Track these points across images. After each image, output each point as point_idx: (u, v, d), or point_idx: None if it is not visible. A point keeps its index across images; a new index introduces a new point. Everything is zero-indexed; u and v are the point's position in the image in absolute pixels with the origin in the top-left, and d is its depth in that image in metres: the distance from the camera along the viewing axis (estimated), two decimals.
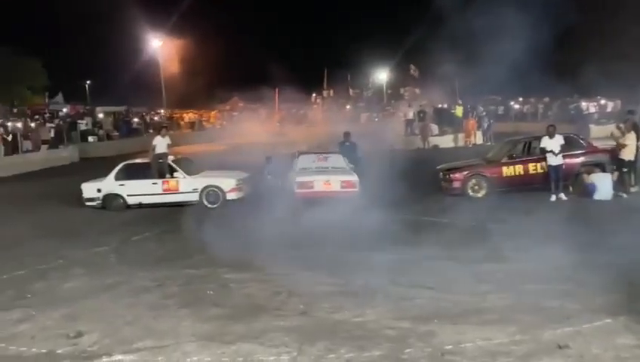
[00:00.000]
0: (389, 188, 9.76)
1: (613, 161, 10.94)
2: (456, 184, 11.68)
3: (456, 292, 5.80)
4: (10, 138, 22.22)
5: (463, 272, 6.46)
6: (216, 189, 11.74)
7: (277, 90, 40.54)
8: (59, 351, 4.80)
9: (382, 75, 46.25)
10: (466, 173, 11.77)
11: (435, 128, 25.28)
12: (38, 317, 5.67)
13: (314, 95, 50.19)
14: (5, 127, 23.17)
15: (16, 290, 6.60)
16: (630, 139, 10.61)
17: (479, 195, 11.47)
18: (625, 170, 10.66)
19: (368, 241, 7.77)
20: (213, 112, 43.99)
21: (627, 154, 10.58)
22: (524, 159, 11.64)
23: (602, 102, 31.26)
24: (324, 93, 50.74)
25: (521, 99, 38.11)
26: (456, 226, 8.86)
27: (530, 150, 11.91)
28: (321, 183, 11.10)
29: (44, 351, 4.83)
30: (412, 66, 43.37)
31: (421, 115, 26.29)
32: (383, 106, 42.46)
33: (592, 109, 29.56)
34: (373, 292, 5.95)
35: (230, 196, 11.73)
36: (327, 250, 7.60)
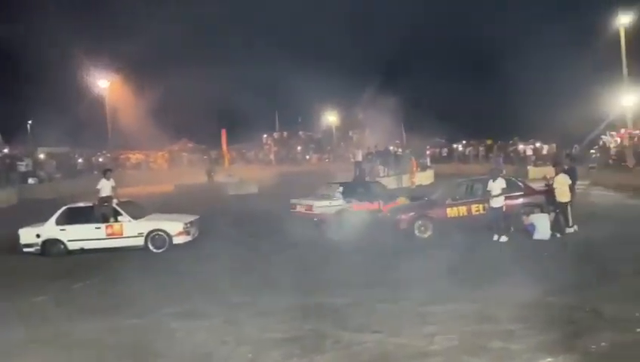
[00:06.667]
0: None
1: (549, 202, 11.43)
2: (403, 225, 11.92)
3: (404, 336, 5.84)
4: None
5: (409, 314, 6.53)
6: (162, 233, 11.44)
7: (224, 130, 40.49)
8: None
9: (332, 118, 47.32)
10: (412, 214, 12.05)
11: (381, 169, 25.86)
12: None
13: (265, 136, 50.42)
14: None
15: None
16: (559, 182, 11.13)
17: (425, 236, 11.73)
18: (557, 211, 11.14)
19: (317, 284, 7.76)
20: (160, 153, 43.11)
21: (560, 196, 11.08)
22: (467, 200, 12.02)
23: (537, 145, 32.98)
24: (275, 135, 51.11)
25: (464, 141, 39.75)
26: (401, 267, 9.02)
27: (473, 191, 12.30)
28: None
29: None
30: (359, 111, 45.00)
31: (369, 156, 26.97)
32: (332, 148, 43.37)
33: (529, 152, 31.09)
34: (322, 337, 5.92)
35: (177, 240, 11.45)
36: (278, 295, 7.57)
